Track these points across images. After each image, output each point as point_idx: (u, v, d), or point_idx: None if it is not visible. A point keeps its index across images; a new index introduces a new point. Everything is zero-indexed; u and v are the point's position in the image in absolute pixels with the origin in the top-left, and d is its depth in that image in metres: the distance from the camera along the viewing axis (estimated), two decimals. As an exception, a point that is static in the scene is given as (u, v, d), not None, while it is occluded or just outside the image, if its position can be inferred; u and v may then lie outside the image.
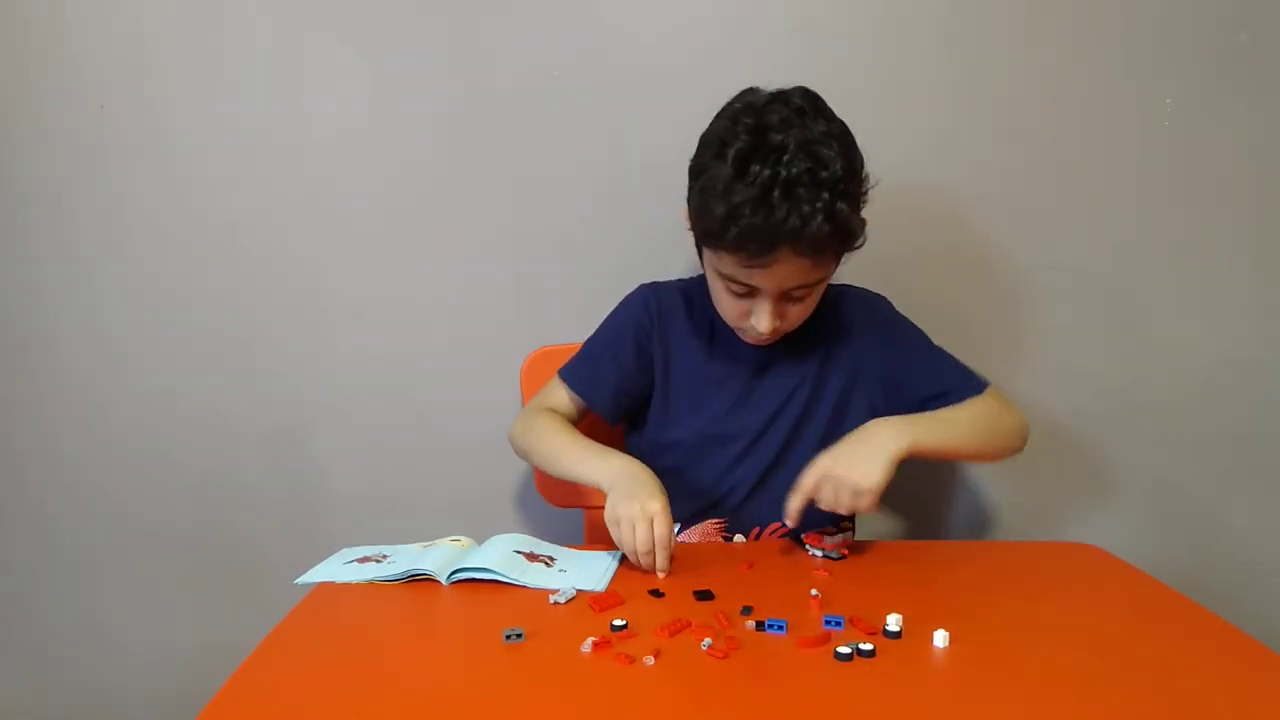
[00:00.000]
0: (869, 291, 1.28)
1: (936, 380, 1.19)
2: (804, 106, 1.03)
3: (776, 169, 0.98)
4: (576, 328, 1.35)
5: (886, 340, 1.22)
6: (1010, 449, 1.20)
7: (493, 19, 1.35)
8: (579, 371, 1.25)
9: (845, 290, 1.28)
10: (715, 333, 1.22)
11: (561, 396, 1.24)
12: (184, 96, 1.37)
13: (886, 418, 1.10)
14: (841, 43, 1.35)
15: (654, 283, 1.28)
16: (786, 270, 1.03)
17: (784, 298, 1.08)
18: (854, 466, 1.03)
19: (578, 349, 1.30)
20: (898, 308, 1.27)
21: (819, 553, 1.07)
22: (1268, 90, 1.37)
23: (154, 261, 1.42)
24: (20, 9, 1.35)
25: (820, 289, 1.11)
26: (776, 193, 0.97)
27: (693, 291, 1.25)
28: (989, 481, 1.47)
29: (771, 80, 1.13)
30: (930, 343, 1.23)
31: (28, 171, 1.40)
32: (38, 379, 1.46)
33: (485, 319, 1.43)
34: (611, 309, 1.29)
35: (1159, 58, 1.36)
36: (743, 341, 1.20)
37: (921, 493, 1.45)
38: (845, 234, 1.03)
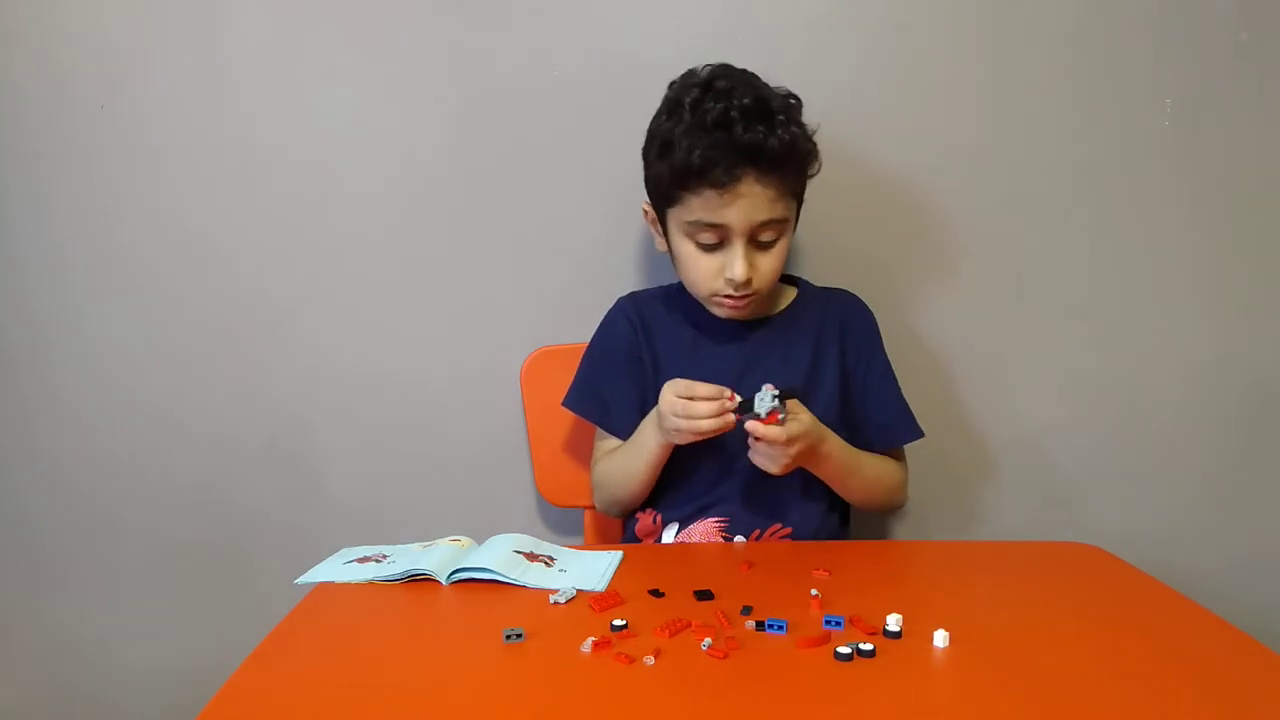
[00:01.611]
0: (862, 301, 1.30)
1: (887, 410, 1.25)
2: (742, 71, 1.14)
3: (730, 101, 1.07)
4: (576, 328, 1.35)
5: (865, 346, 1.26)
6: (876, 510, 1.30)
7: (493, 18, 1.35)
8: (582, 398, 1.26)
9: (839, 290, 1.31)
10: (699, 329, 1.23)
11: (605, 443, 1.27)
12: (184, 97, 1.37)
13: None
14: (849, 44, 1.35)
15: (631, 293, 1.31)
16: (751, 200, 1.08)
17: (753, 243, 1.12)
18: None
19: (576, 348, 1.30)
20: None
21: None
22: (1268, 90, 1.37)
23: (149, 263, 1.41)
24: (21, 9, 1.35)
25: (786, 238, 1.15)
26: (734, 114, 1.06)
27: (671, 294, 1.28)
28: (988, 481, 1.47)
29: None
30: (893, 372, 1.27)
31: (17, 176, 1.39)
32: (33, 386, 1.45)
33: (485, 319, 1.43)
34: (608, 312, 1.29)
35: (1159, 58, 1.36)
36: (728, 336, 1.21)
37: (920, 492, 1.45)
38: (800, 155, 1.12)
